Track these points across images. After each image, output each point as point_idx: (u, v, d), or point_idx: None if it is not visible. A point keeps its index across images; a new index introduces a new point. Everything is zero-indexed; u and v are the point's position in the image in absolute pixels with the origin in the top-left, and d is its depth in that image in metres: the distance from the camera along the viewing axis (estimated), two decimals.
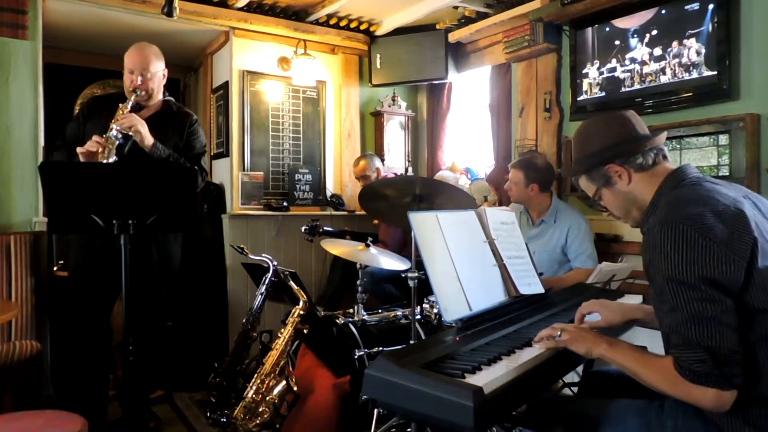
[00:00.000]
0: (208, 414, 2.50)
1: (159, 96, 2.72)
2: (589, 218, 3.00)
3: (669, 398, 1.30)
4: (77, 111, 2.73)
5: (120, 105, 2.53)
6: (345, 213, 4.26)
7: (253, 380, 2.35)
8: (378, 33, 4.32)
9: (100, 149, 2.42)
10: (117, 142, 2.45)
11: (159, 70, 2.68)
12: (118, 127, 2.45)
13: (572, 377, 2.43)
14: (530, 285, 1.89)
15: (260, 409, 2.30)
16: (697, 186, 1.33)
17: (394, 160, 4.54)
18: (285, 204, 4.03)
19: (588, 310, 1.64)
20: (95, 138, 2.44)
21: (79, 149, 2.46)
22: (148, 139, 2.50)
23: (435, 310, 2.45)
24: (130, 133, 2.47)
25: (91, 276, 2.58)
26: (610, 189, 1.47)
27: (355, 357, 2.28)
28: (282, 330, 2.45)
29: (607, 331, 1.57)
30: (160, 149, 2.55)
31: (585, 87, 3.24)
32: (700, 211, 1.22)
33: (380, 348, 2.30)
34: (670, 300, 1.20)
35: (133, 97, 2.55)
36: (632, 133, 1.46)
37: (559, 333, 1.45)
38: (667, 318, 1.21)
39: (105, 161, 2.41)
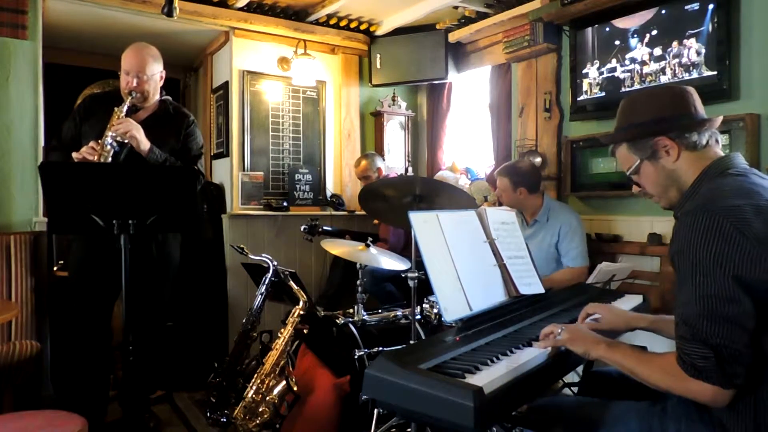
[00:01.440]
0: (208, 414, 2.50)
1: (156, 97, 2.70)
2: (588, 218, 3.01)
3: (672, 401, 1.30)
4: (74, 110, 2.70)
5: (115, 109, 2.50)
6: (345, 213, 4.26)
7: (253, 380, 2.35)
8: (378, 33, 4.32)
9: (96, 157, 2.40)
10: (112, 150, 2.43)
11: (156, 72, 2.63)
12: (114, 134, 2.43)
13: (572, 377, 2.43)
14: (530, 285, 1.89)
15: (260, 409, 2.30)
16: (743, 177, 1.28)
17: (394, 160, 4.53)
18: (285, 204, 4.03)
19: (593, 311, 1.63)
20: (91, 144, 2.43)
21: (74, 155, 2.45)
22: (145, 144, 2.48)
23: (435, 310, 2.44)
24: (126, 141, 2.45)
25: (92, 276, 2.57)
26: (654, 163, 1.39)
27: (355, 357, 2.28)
28: (282, 330, 2.45)
29: (607, 333, 1.57)
30: (157, 154, 2.53)
31: (585, 87, 3.24)
32: (740, 204, 1.17)
33: (380, 348, 2.30)
34: (690, 290, 1.16)
35: (128, 100, 2.52)
36: (691, 108, 1.38)
37: (559, 331, 1.44)
38: (683, 307, 1.18)
39: None
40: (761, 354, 1.14)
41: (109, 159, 2.42)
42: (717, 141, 1.38)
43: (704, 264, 1.14)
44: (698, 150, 1.35)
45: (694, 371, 1.13)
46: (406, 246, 3.49)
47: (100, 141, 2.44)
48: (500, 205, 3.62)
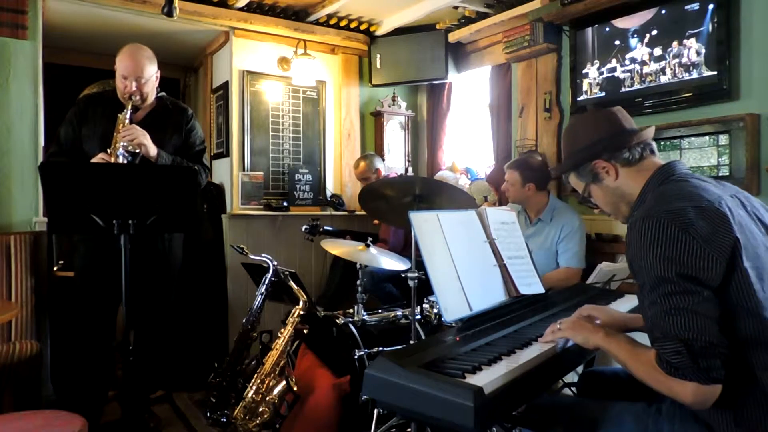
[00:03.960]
0: (208, 414, 2.50)
1: (152, 96, 2.69)
2: (588, 218, 3.01)
3: (666, 402, 1.31)
4: (69, 113, 2.68)
5: (119, 116, 2.49)
6: (345, 213, 4.26)
7: (253, 380, 2.35)
8: (378, 33, 4.32)
9: None
10: (125, 161, 2.44)
11: (152, 74, 2.62)
12: (125, 144, 2.42)
13: (572, 377, 2.43)
14: (530, 285, 1.89)
15: (260, 409, 2.30)
16: (683, 182, 1.33)
17: (394, 160, 4.54)
18: (285, 204, 4.03)
19: (587, 313, 1.63)
20: (102, 156, 2.44)
21: None
22: (153, 150, 2.49)
23: (435, 310, 2.45)
24: (137, 150, 2.45)
25: (98, 278, 2.57)
26: (598, 185, 1.48)
27: (355, 357, 2.28)
28: (282, 330, 2.45)
29: None
30: (165, 157, 2.54)
31: (585, 87, 3.24)
32: (682, 206, 1.21)
33: (380, 348, 2.30)
34: (650, 294, 1.20)
35: (129, 105, 2.52)
36: (618, 128, 1.45)
37: (558, 326, 1.47)
38: (649, 311, 1.21)
39: None
40: (738, 349, 1.15)
41: None
42: (652, 151, 1.45)
43: (656, 266, 1.18)
44: (634, 164, 1.43)
45: (671, 369, 1.14)
46: (406, 246, 3.49)
47: (110, 151, 2.44)
48: (501, 203, 3.64)
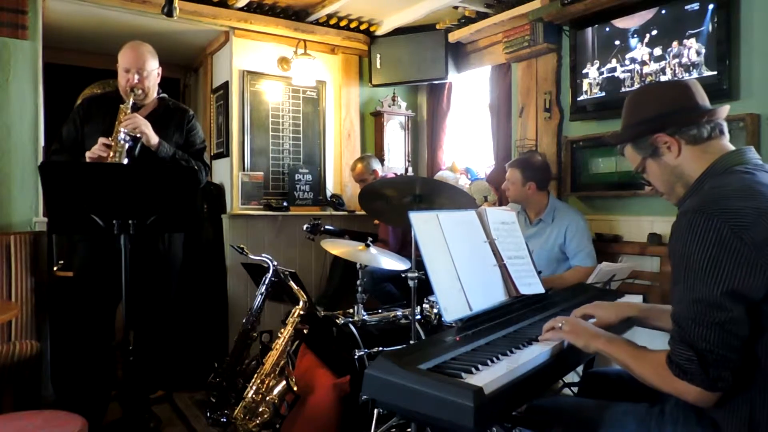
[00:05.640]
0: (208, 414, 2.50)
1: (154, 94, 2.72)
2: (588, 218, 3.01)
3: (669, 404, 1.30)
4: (72, 112, 2.71)
5: (121, 106, 2.52)
6: (345, 213, 4.27)
7: (253, 380, 2.35)
8: (378, 33, 4.32)
9: (111, 153, 2.42)
10: (126, 145, 2.45)
11: (154, 69, 2.67)
12: (126, 130, 2.44)
13: (572, 377, 2.43)
14: (530, 285, 1.89)
15: (260, 409, 2.30)
16: (751, 175, 1.22)
17: (394, 161, 4.54)
18: (285, 204, 4.03)
19: (582, 313, 1.61)
20: (102, 141, 2.44)
21: (88, 153, 2.46)
22: (154, 139, 2.51)
23: (435, 310, 2.44)
24: (138, 135, 2.47)
25: (97, 277, 2.58)
26: (657, 161, 1.36)
27: (355, 357, 2.28)
28: (282, 330, 2.45)
29: (606, 329, 1.57)
30: (166, 147, 2.57)
31: (585, 87, 3.24)
32: (741, 206, 1.12)
33: (380, 348, 2.30)
34: (683, 291, 1.16)
35: (132, 97, 2.55)
36: (690, 101, 1.35)
37: (560, 325, 1.45)
38: (675, 307, 1.18)
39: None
40: (753, 357, 1.13)
41: (124, 154, 2.44)
42: (722, 132, 1.34)
43: (698, 268, 1.12)
44: (700, 143, 1.32)
45: (680, 372, 1.13)
46: (404, 246, 3.49)
47: (111, 138, 2.45)
48: (501, 203, 3.63)
